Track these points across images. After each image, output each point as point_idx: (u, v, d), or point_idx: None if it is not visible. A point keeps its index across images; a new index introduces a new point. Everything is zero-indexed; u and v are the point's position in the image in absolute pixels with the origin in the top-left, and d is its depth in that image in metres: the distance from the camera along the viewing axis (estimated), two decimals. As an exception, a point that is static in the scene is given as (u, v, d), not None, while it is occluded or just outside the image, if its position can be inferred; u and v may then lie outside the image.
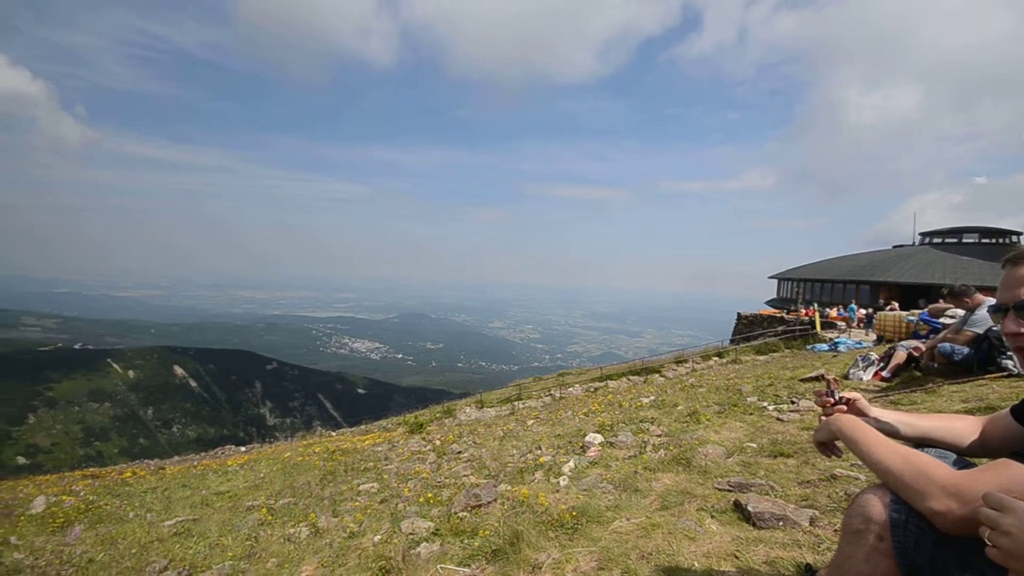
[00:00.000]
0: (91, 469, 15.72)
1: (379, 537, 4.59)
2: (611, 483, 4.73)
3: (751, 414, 6.86)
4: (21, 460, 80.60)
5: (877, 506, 1.46)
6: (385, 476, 8.22)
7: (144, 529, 5.76)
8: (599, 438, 7.47)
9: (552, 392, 22.21)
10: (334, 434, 21.51)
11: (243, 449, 20.20)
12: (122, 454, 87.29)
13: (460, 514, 5.12)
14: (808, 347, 19.54)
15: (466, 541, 3.94)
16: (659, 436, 6.96)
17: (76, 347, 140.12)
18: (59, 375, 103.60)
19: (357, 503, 6.46)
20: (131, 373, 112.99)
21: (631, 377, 21.65)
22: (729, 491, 3.82)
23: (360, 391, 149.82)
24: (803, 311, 29.12)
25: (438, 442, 12.17)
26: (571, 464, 6.40)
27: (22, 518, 6.73)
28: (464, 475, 7.62)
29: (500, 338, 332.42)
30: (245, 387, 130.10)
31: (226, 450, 21.59)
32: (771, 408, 7.08)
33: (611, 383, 20.98)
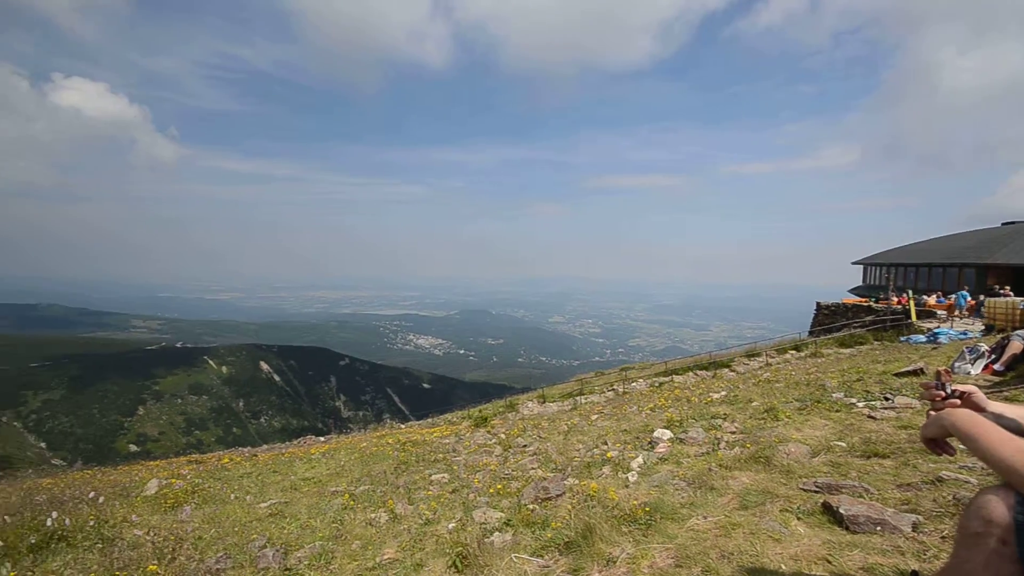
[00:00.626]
0: (193, 455, 17.47)
1: (453, 525, 4.75)
2: (684, 480, 4.60)
3: (837, 411, 6.39)
4: (133, 448, 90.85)
5: (1000, 508, 1.33)
6: (455, 467, 8.48)
7: (244, 510, 6.34)
8: (668, 434, 7.27)
9: (615, 387, 21.84)
10: (403, 426, 22.49)
11: (322, 439, 21.62)
12: (218, 442, 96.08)
13: (530, 506, 5.19)
14: (902, 339, 17.89)
15: (538, 532, 3.99)
16: (733, 433, 6.66)
17: (177, 345, 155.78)
18: (164, 371, 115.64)
19: (430, 492, 6.73)
20: (224, 369, 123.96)
21: (698, 372, 20.84)
22: (816, 492, 3.60)
23: (425, 385, 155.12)
24: (895, 299, 26.56)
25: (503, 436, 12.38)
26: (640, 460, 6.29)
27: (138, 499, 7.62)
28: (531, 468, 7.70)
29: (560, 333, 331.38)
30: (322, 381, 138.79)
31: (307, 440, 23.21)
32: (861, 405, 6.56)
33: (677, 378, 20.31)
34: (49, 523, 5.38)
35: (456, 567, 3.48)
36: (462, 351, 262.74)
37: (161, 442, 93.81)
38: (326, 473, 9.14)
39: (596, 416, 12.73)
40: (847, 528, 2.94)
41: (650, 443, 7.04)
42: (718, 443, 6.01)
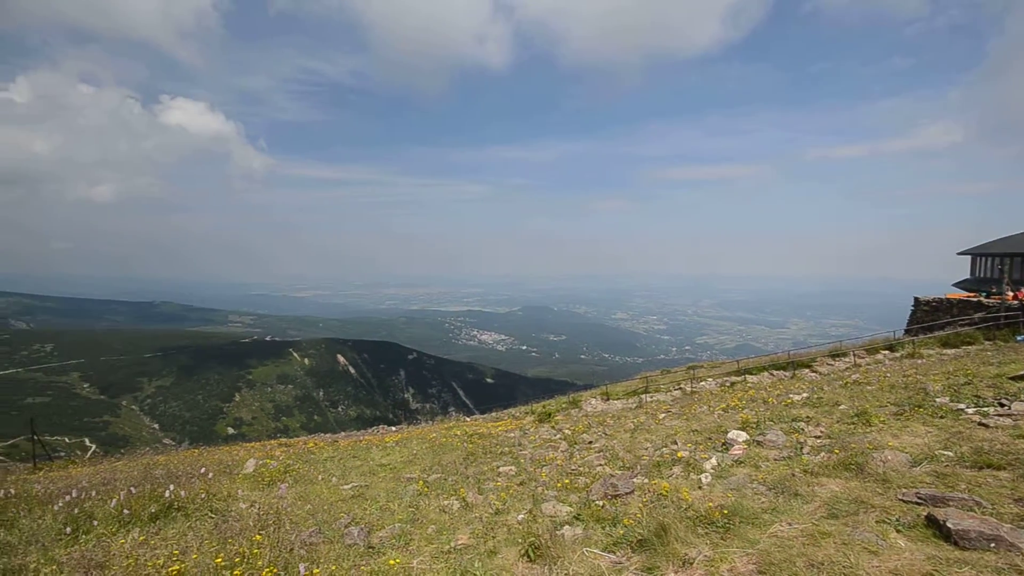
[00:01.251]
0: (282, 439, 18.97)
1: (523, 516, 4.84)
2: (763, 484, 4.37)
3: (942, 417, 5.77)
4: (231, 431, 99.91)
5: None
6: (521, 460, 8.60)
7: (329, 490, 6.83)
8: (743, 436, 6.92)
9: (682, 386, 21.06)
10: (468, 420, 23.04)
11: (394, 429, 22.67)
12: (302, 428, 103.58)
13: (599, 502, 5.16)
14: (1019, 338, 15.82)
15: (608, 528, 3.97)
16: (818, 438, 6.21)
17: (267, 339, 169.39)
18: (256, 361, 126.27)
19: (498, 483, 6.87)
20: (307, 361, 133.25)
21: (774, 372, 19.61)
22: (918, 504, 3.28)
23: (488, 380, 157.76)
24: (1010, 294, 23.41)
25: (568, 431, 12.36)
26: (713, 461, 6.04)
27: (239, 477, 8.41)
28: (597, 465, 7.64)
29: (623, 329, 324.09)
30: (392, 374, 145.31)
31: (380, 429, 24.43)
32: (970, 411, 5.88)
33: (750, 378, 19.23)
34: (167, 495, 6.09)
35: (528, 557, 3.54)
36: (524, 347, 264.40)
37: (254, 426, 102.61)
38: (400, 460, 9.60)
39: (663, 415, 12.36)
40: (955, 543, 2.67)
41: (724, 445, 6.74)
42: (801, 447, 5.65)
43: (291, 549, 3.49)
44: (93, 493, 6.31)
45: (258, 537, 3.45)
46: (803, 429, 6.70)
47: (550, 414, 18.22)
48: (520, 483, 6.78)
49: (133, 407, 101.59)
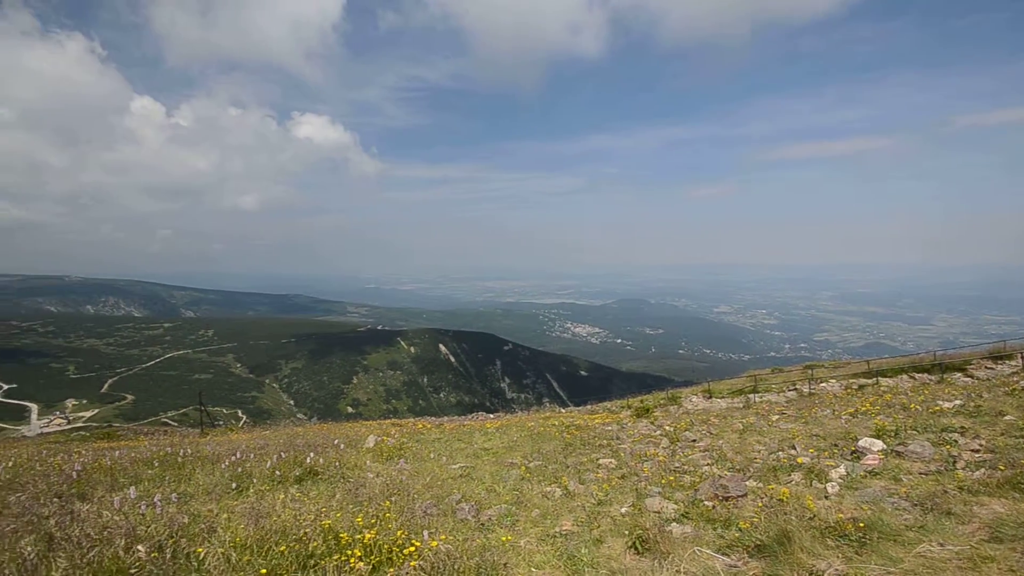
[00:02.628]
0: (393, 420, 20.59)
1: (626, 509, 4.78)
2: (906, 499, 3.85)
3: None
4: (349, 409, 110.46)
5: None
6: (621, 454, 8.45)
7: (440, 468, 7.31)
8: (878, 444, 6.13)
9: (797, 386, 19.20)
10: (563, 411, 23.12)
11: (492, 416, 23.48)
12: (409, 410, 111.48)
13: (707, 502, 4.92)
14: None
15: (720, 530, 3.77)
16: (975, 451, 5.31)
17: (379, 328, 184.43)
18: (370, 348, 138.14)
19: (599, 475, 6.84)
20: (412, 349, 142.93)
21: (916, 375, 17.09)
22: (1123, 538, 2.69)
23: (583, 373, 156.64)
24: None
25: (668, 428, 11.89)
26: (841, 470, 5.45)
27: (363, 450, 9.32)
28: (704, 464, 7.27)
29: (727, 324, 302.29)
30: (488, 364, 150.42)
31: (479, 416, 25.45)
32: None
33: (885, 380, 16.95)
34: (308, 461, 6.96)
35: (636, 549, 3.50)
36: (619, 340, 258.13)
37: (368, 406, 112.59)
38: (501, 446, 9.95)
39: (777, 417, 11.38)
40: None
41: (854, 453, 6.04)
42: (954, 461, 4.88)
43: (412, 517, 3.83)
44: (251, 456, 7.40)
45: (387, 504, 3.83)
46: (956, 441, 5.76)
47: (648, 409, 17.66)
48: (621, 476, 6.68)
49: (274, 385, 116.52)
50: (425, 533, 3.11)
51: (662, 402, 20.36)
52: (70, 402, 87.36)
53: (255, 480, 6.16)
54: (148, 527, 2.91)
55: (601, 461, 8.03)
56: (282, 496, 5.02)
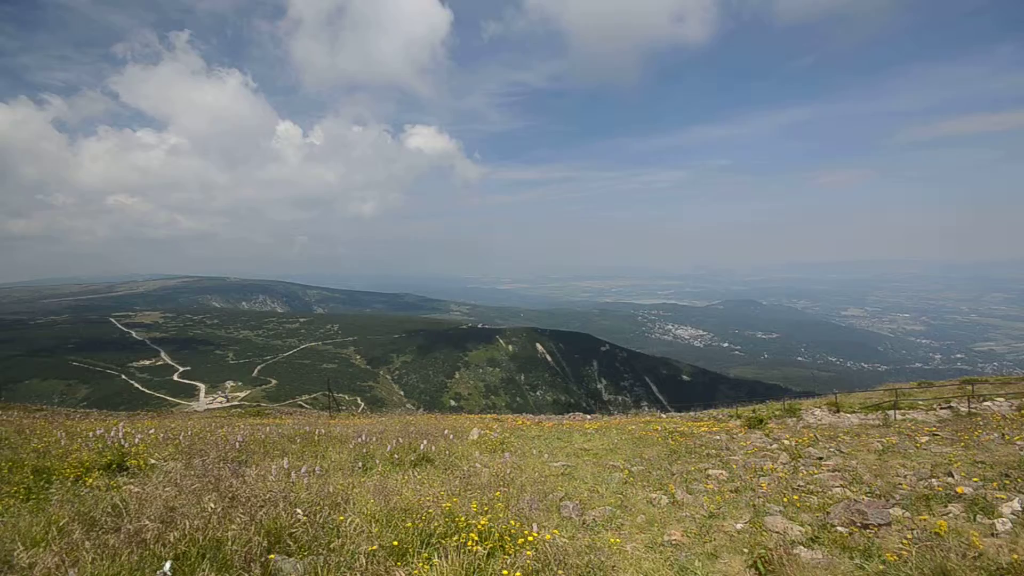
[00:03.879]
0: (493, 415, 21.22)
1: (741, 525, 4.44)
2: (1117, 550, 3.08)
3: None
4: (452, 403, 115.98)
5: None
6: (732, 466, 7.87)
7: (541, 465, 7.41)
8: (1071, 479, 4.99)
9: (952, 404, 16.30)
10: (663, 416, 22.01)
11: (589, 417, 23.14)
12: (507, 406, 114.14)
13: (840, 528, 4.39)
14: None
15: (858, 560, 3.35)
16: None
17: (479, 326, 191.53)
18: (471, 345, 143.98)
19: (708, 485, 6.44)
20: (510, 347, 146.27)
21: None
22: None
23: (684, 377, 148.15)
24: None
25: (787, 442, 10.80)
26: (1015, 505, 4.54)
27: (468, 441, 9.76)
28: (833, 486, 6.49)
29: (858, 329, 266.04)
30: (585, 364, 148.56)
31: (576, 416, 25.21)
32: None
33: (1079, 402, 13.73)
34: (422, 448, 7.48)
35: (757, 569, 3.25)
36: (726, 344, 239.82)
37: (469, 400, 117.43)
38: (601, 447, 9.79)
39: (926, 438, 9.80)
40: None
41: (1035, 486, 4.99)
42: None
43: (519, 510, 3.94)
44: (373, 439, 8.14)
45: (497, 494, 4.00)
46: None
47: (761, 420, 16.19)
48: (734, 490, 6.22)
49: (387, 376, 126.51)
50: (535, 525, 3.19)
51: (777, 413, 18.55)
52: (229, 383, 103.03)
53: (377, 461, 6.77)
54: (298, 494, 3.35)
55: (710, 472, 7.55)
56: (402, 477, 5.46)
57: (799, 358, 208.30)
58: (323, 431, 9.89)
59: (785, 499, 5.33)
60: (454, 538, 2.87)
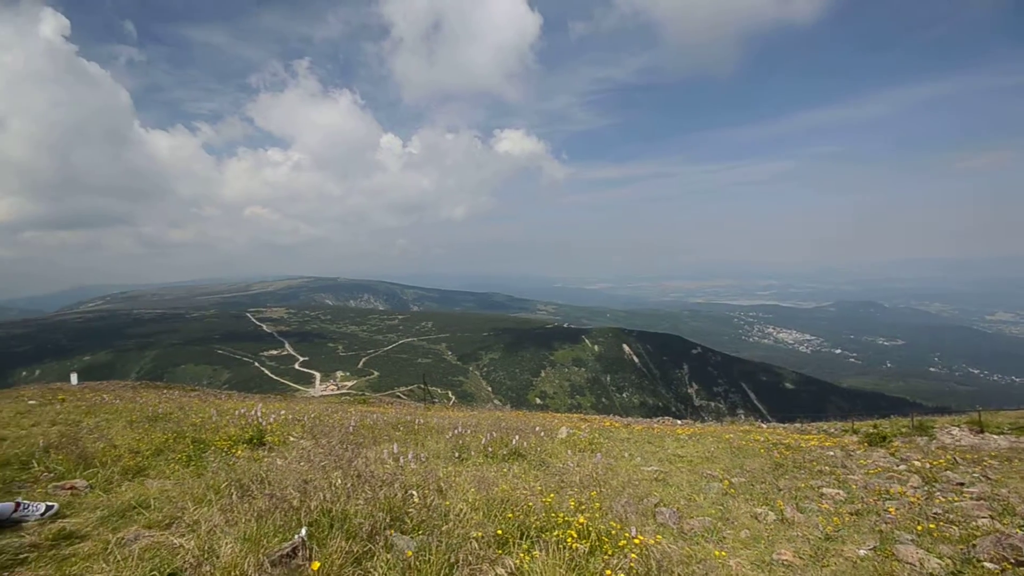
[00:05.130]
0: (580, 414, 20.99)
1: (865, 552, 3.96)
2: None
3: None
4: (537, 401, 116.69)
5: None
6: (851, 486, 7.03)
7: (633, 468, 7.22)
8: None
9: None
10: (763, 426, 20.21)
11: (680, 422, 21.98)
12: (592, 407, 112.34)
13: (988, 564, 3.75)
14: None
15: (1019, 607, 2.83)
16: None
17: (565, 326, 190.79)
18: (557, 345, 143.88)
19: (823, 505, 5.81)
20: (596, 348, 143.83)
21: None
22: None
23: (787, 385, 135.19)
24: None
25: (918, 464, 9.39)
26: None
27: (557, 440, 9.78)
28: (979, 516, 5.54)
29: (1008, 336, 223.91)
30: (675, 367, 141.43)
31: (667, 420, 24.07)
32: None
33: None
34: (513, 442, 7.65)
35: (887, 602, 2.88)
36: (838, 350, 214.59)
37: (554, 399, 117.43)
38: (696, 455, 9.27)
39: (1110, 470, 8.01)
40: None
41: None
42: None
43: (613, 512, 3.87)
44: (467, 431, 8.48)
45: (593, 493, 3.97)
46: None
47: (884, 437, 14.27)
48: (854, 512, 5.56)
49: (476, 372, 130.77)
50: (632, 529, 3.12)
51: (904, 430, 16.26)
52: (339, 373, 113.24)
53: (472, 453, 7.05)
54: (408, 478, 3.62)
55: (824, 490, 6.82)
56: (496, 470, 5.64)
57: (931, 369, 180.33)
58: (422, 421, 10.50)
59: (919, 527, 4.65)
60: (554, 533, 2.91)
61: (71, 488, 4.33)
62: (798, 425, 20.72)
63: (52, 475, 4.70)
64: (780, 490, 6.56)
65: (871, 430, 16.04)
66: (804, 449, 11.13)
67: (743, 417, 23.93)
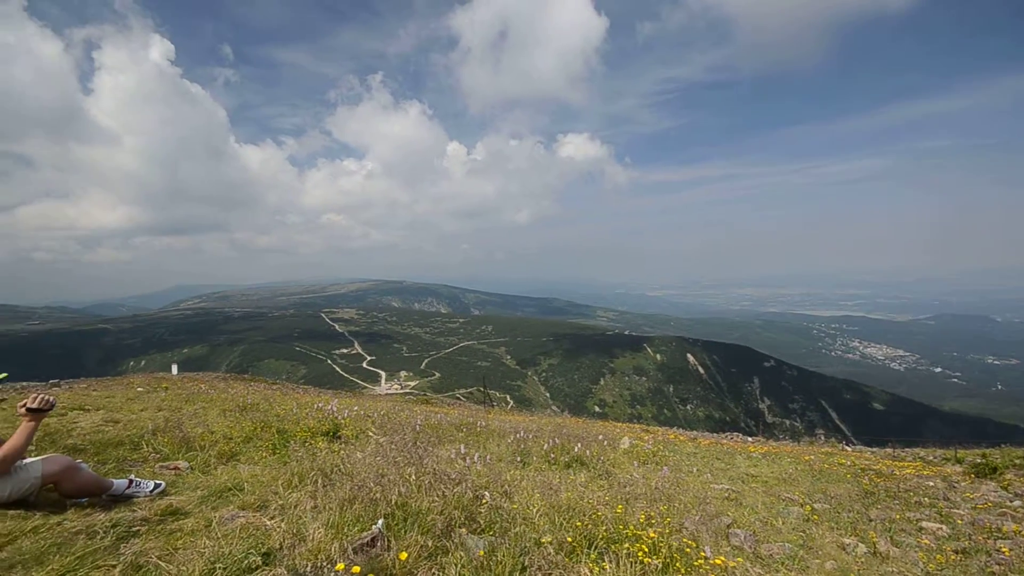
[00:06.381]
0: (642, 424, 20.32)
1: (978, 598, 3.51)
2: None
3: None
4: (596, 409, 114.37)
5: None
6: (956, 521, 6.26)
7: (703, 486, 6.89)
8: None
9: None
10: (848, 449, 18.47)
11: (750, 439, 20.62)
12: (653, 418, 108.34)
13: None
14: None
15: None
16: None
17: (626, 333, 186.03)
18: (617, 352, 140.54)
19: (922, 540, 5.22)
20: (658, 356, 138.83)
21: None
22: None
23: (876, 406, 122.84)
24: None
25: (1042, 502, 8.16)
26: None
27: (619, 450, 9.54)
28: None
29: None
30: (744, 380, 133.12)
31: (736, 436, 22.69)
32: None
33: None
34: (576, 450, 7.57)
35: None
36: (938, 369, 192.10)
37: (613, 408, 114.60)
38: (772, 475, 8.66)
39: None
40: None
41: None
42: None
43: (688, 530, 3.72)
44: (529, 436, 8.50)
45: (663, 508, 3.85)
46: None
47: (995, 468, 12.58)
48: (960, 551, 4.95)
49: (534, 377, 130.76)
50: (707, 548, 2.98)
51: (1018, 461, 14.25)
52: (403, 373, 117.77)
53: (534, 458, 7.06)
54: (476, 479, 3.70)
55: (923, 524, 6.13)
56: (557, 477, 5.61)
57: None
58: (483, 424, 10.66)
59: (1047, 577, 4.06)
60: (623, 545, 2.85)
61: (175, 468, 4.84)
62: (889, 450, 18.76)
63: (159, 456, 5.27)
64: (871, 520, 5.98)
65: (978, 460, 14.22)
66: (898, 477, 10.07)
67: (823, 438, 22.13)
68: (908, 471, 11.41)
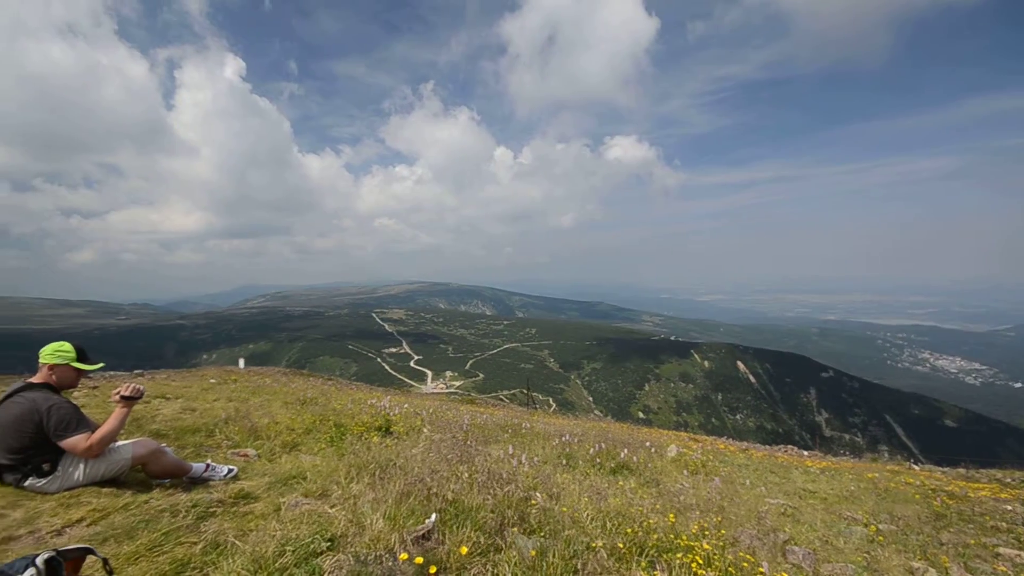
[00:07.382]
0: (689, 433, 19.60)
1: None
2: None
3: None
4: (640, 415, 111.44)
5: None
6: (1047, 553, 5.61)
7: (756, 499, 6.56)
8: None
9: None
10: (916, 467, 16.99)
11: (806, 453, 19.38)
12: (700, 426, 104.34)
13: None
14: None
15: None
16: None
17: (672, 339, 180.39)
18: (663, 358, 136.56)
19: (1000, 567, 4.73)
20: (706, 363, 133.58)
21: None
22: None
23: (948, 423, 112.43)
24: None
25: None
26: None
27: (666, 458, 9.25)
28: None
29: None
30: (799, 391, 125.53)
31: (791, 449, 21.40)
32: None
33: None
34: (622, 456, 7.43)
35: None
36: (1018, 384, 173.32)
37: (659, 415, 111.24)
38: (831, 492, 8.12)
39: None
40: None
41: None
42: None
43: (744, 544, 3.56)
44: (574, 440, 8.43)
45: (718, 519, 3.71)
46: None
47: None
48: (1051, 586, 4.44)
49: (577, 381, 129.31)
50: (765, 564, 2.85)
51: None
52: (448, 373, 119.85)
53: (580, 461, 6.99)
54: (525, 480, 3.72)
55: (1001, 550, 5.55)
56: (603, 482, 5.53)
57: None
58: (528, 426, 10.66)
59: None
60: (676, 556, 2.78)
61: (244, 455, 5.17)
62: (962, 470, 17.11)
63: (230, 443, 5.65)
64: (942, 544, 5.48)
65: (1072, 486, 12.71)
66: (972, 500, 9.16)
67: (887, 455, 20.49)
68: (983, 493, 10.36)
